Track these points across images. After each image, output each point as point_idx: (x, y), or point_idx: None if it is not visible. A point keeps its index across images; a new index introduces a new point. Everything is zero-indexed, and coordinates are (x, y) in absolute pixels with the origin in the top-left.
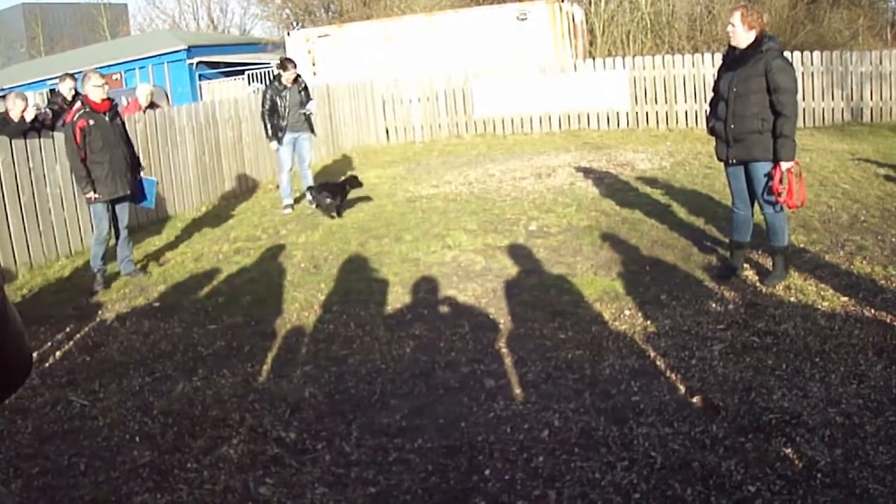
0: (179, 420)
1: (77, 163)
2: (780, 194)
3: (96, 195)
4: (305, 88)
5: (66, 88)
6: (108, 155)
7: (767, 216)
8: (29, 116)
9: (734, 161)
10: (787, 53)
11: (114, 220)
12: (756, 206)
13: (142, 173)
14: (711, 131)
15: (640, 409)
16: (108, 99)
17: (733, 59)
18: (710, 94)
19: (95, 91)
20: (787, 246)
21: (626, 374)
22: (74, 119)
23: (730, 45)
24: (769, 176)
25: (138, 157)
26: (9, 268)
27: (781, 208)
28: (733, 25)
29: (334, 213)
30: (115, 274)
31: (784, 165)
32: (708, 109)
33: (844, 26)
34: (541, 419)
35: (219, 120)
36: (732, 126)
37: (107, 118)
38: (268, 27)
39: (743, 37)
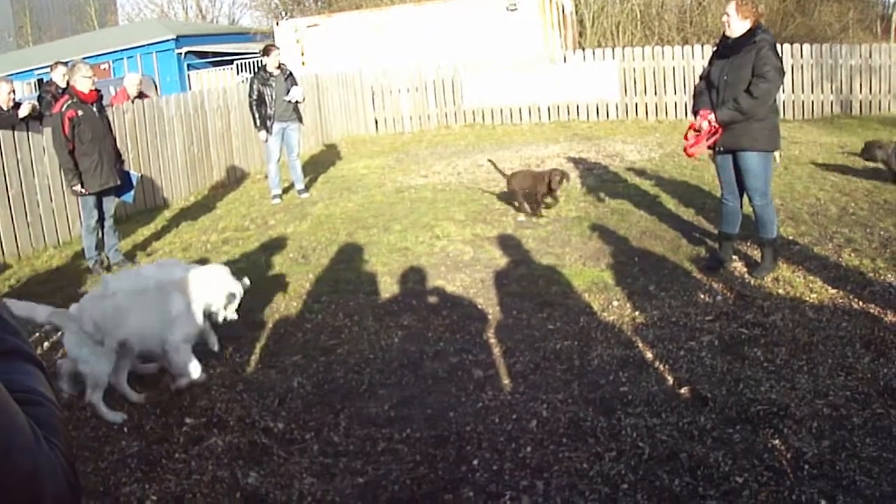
0: (167, 410)
1: (65, 155)
2: (688, 136)
3: (84, 189)
4: (291, 76)
5: (58, 76)
6: (98, 146)
7: (756, 208)
8: (23, 113)
9: (721, 149)
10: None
11: (99, 209)
12: (745, 198)
13: (124, 167)
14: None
15: (628, 399)
16: (95, 90)
17: (725, 48)
18: None
19: (84, 82)
20: (775, 238)
21: (614, 364)
22: (63, 109)
23: (723, 35)
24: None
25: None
26: None
27: (770, 201)
28: (728, 15)
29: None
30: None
31: (710, 116)
32: (692, 101)
33: (834, 19)
34: (529, 409)
35: (207, 110)
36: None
37: (94, 109)
38: (257, 17)
39: (737, 26)
